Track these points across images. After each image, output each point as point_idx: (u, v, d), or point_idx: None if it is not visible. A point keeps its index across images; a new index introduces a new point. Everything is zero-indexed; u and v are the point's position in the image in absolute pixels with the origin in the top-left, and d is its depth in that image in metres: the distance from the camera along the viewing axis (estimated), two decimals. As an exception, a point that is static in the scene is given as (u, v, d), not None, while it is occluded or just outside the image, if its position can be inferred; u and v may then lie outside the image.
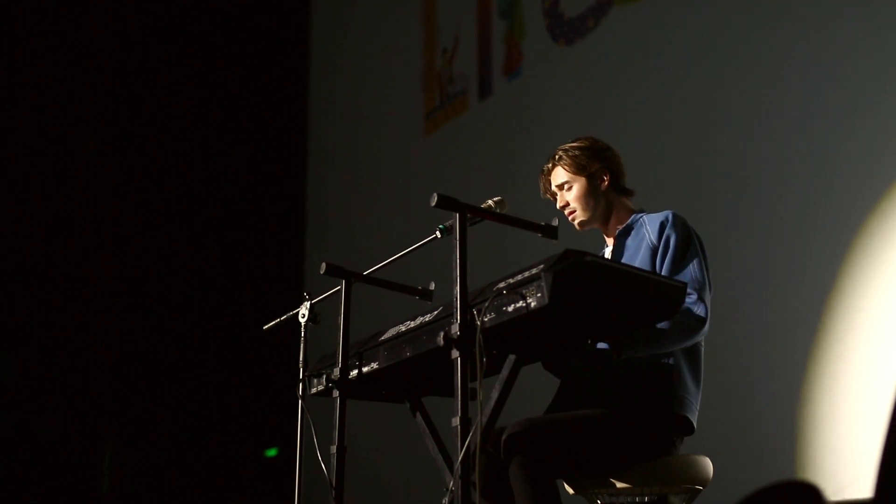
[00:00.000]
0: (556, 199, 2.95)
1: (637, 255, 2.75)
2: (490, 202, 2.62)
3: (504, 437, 2.51)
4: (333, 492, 2.61)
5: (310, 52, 8.82)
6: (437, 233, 2.67)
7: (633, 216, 2.87)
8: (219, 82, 8.31)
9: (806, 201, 4.25)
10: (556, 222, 2.90)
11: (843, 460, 3.81)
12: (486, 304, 2.17)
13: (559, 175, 2.91)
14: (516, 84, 6.20)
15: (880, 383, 3.76)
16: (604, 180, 2.88)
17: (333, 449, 2.66)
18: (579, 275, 2.09)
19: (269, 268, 8.08)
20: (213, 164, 8.18)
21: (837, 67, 4.22)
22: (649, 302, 2.23)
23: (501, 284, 2.20)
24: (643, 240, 2.77)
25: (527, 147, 5.81)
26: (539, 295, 2.07)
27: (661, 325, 2.49)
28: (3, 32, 7.55)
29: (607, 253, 2.94)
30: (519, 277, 2.15)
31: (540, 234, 2.47)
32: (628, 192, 2.95)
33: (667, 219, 2.75)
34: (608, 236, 2.96)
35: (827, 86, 4.25)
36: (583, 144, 2.91)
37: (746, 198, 4.53)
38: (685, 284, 2.32)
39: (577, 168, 2.87)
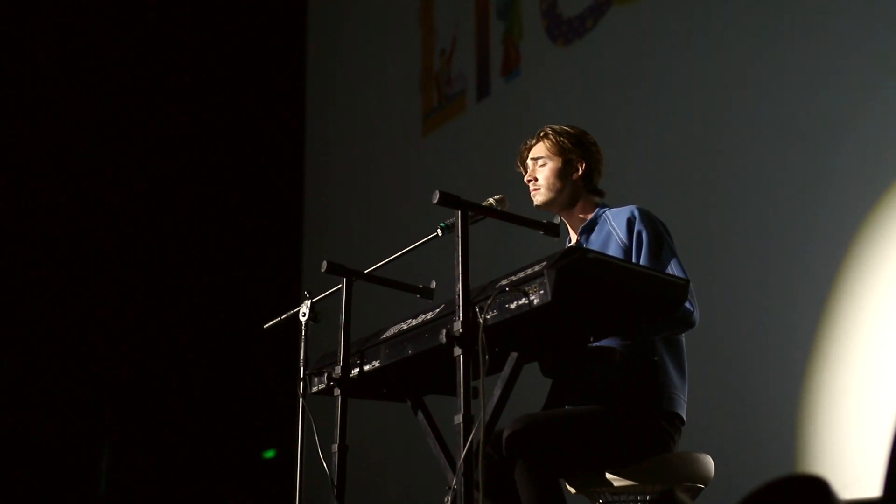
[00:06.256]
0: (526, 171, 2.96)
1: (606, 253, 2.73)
2: (491, 200, 2.61)
3: (505, 435, 2.51)
4: (335, 490, 2.60)
5: (307, 53, 8.81)
6: (438, 230, 2.65)
7: (596, 211, 2.88)
8: (216, 82, 8.31)
9: (805, 199, 4.25)
10: (557, 220, 2.90)
11: (844, 459, 3.81)
12: (489, 302, 2.16)
13: (538, 150, 2.94)
14: (514, 85, 6.19)
15: (880, 382, 3.77)
16: (578, 169, 2.90)
17: (335, 447, 2.65)
18: (583, 271, 2.08)
19: (266, 267, 8.07)
20: (211, 164, 8.17)
21: (836, 69, 4.22)
22: (652, 299, 2.22)
23: (504, 281, 2.18)
24: (609, 237, 2.76)
25: (525, 148, 5.80)
26: (542, 292, 2.06)
27: None
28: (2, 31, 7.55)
29: None
30: (521, 275, 2.14)
31: (542, 232, 2.47)
32: (599, 193, 2.95)
33: (633, 215, 2.74)
34: (572, 229, 2.96)
35: (825, 87, 4.26)
36: (572, 131, 2.94)
37: (746, 196, 4.53)
38: (687, 281, 2.31)
39: (557, 149, 2.90)
